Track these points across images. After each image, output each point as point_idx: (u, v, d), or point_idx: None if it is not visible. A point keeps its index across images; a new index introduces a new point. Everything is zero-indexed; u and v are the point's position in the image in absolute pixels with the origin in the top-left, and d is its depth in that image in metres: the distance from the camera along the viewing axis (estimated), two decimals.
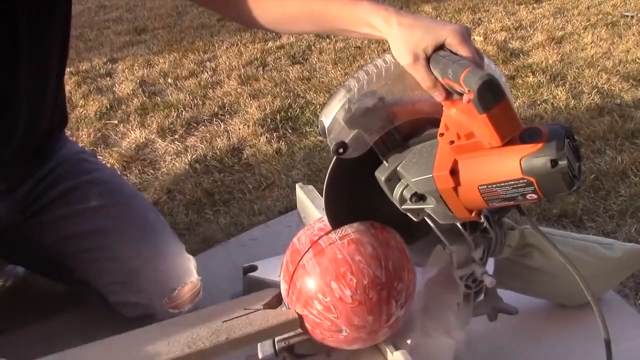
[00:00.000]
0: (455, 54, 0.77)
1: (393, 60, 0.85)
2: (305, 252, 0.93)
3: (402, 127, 0.89)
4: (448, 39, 0.78)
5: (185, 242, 1.34)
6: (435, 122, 0.85)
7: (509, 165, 0.75)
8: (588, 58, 2.55)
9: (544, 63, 2.53)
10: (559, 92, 2.23)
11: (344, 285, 0.89)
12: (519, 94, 2.26)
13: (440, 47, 0.79)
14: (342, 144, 0.85)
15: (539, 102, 2.20)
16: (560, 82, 2.35)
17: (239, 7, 0.98)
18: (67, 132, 1.36)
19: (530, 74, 2.42)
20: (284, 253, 0.99)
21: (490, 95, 0.70)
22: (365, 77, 0.85)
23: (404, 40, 0.80)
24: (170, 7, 3.95)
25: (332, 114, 0.84)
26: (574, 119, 2.05)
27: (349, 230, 0.93)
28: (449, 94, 0.81)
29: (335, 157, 0.90)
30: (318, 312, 0.91)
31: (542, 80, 2.35)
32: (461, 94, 0.77)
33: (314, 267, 0.91)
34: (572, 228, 1.50)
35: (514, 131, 0.74)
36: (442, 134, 0.82)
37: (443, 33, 0.78)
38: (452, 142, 0.80)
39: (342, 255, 0.90)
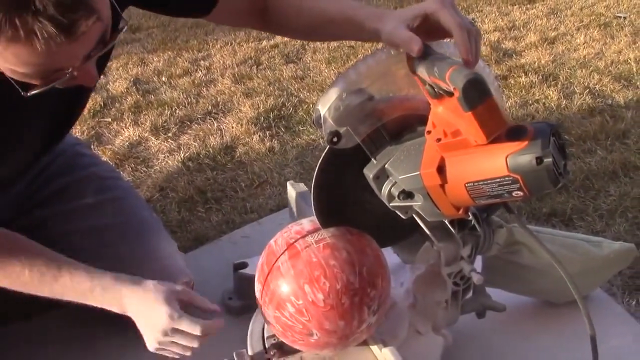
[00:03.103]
0: (440, 55, 0.78)
1: (384, 58, 0.85)
2: (281, 255, 0.94)
3: (390, 125, 0.90)
4: (430, 7, 0.80)
5: (177, 240, 1.35)
6: (423, 120, 0.86)
7: (495, 162, 0.76)
8: (580, 59, 2.57)
9: (536, 63, 2.54)
10: (551, 92, 2.25)
11: (317, 289, 0.90)
12: (511, 94, 2.27)
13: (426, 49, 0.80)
14: (337, 133, 0.85)
15: (530, 102, 2.21)
16: (553, 82, 2.36)
17: (276, 22, 1.07)
18: None
19: (523, 74, 2.43)
20: None
21: (476, 93, 0.71)
22: (354, 75, 0.86)
23: (398, 19, 0.83)
24: None
25: (328, 103, 0.85)
26: (566, 119, 2.06)
27: (325, 234, 0.94)
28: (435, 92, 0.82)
29: (323, 154, 0.91)
30: (290, 314, 0.91)
31: (534, 81, 2.36)
32: (448, 92, 0.77)
33: (289, 269, 0.92)
34: (561, 227, 1.51)
35: (500, 129, 0.75)
36: (429, 132, 0.83)
37: (425, 5, 0.81)
38: (439, 139, 0.81)
39: (316, 259, 0.91)
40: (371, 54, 0.87)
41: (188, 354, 1.00)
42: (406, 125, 0.90)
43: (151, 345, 1.00)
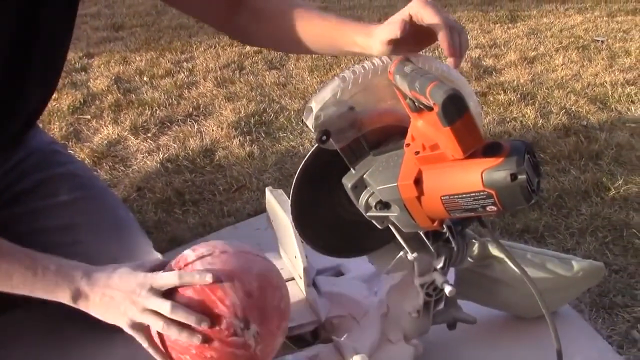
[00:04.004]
0: (421, 70, 0.79)
1: (366, 69, 0.87)
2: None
3: (370, 136, 0.91)
4: (413, 7, 0.82)
5: (153, 241, 1.34)
6: (402, 132, 0.88)
7: (471, 177, 0.78)
8: (558, 79, 2.62)
9: (515, 82, 2.58)
10: (528, 111, 2.29)
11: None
12: (489, 110, 2.31)
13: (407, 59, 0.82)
14: (326, 132, 0.86)
15: (508, 119, 2.25)
16: (530, 101, 2.40)
17: (243, 28, 1.06)
18: (39, 124, 1.35)
19: (502, 91, 2.47)
20: None
21: (454, 109, 0.73)
22: (340, 84, 0.87)
23: (383, 29, 0.85)
24: (149, 5, 3.94)
25: (322, 102, 0.85)
26: (542, 137, 2.10)
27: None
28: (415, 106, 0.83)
29: (303, 161, 0.92)
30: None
31: (512, 99, 2.40)
32: (427, 107, 0.79)
33: None
34: (533, 243, 1.53)
35: (476, 144, 0.77)
36: (408, 145, 0.85)
37: (408, 6, 0.83)
38: (417, 152, 0.83)
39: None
40: (360, 62, 0.89)
41: (172, 330, 0.87)
42: (386, 137, 0.92)
43: (126, 318, 0.90)
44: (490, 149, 0.78)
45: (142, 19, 3.60)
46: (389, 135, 0.92)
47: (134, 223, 1.34)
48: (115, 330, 0.92)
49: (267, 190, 1.29)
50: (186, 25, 3.46)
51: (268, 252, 1.33)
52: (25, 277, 0.93)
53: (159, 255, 1.28)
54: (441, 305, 1.07)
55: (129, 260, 1.20)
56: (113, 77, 2.62)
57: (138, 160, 1.94)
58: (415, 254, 0.96)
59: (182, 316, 0.85)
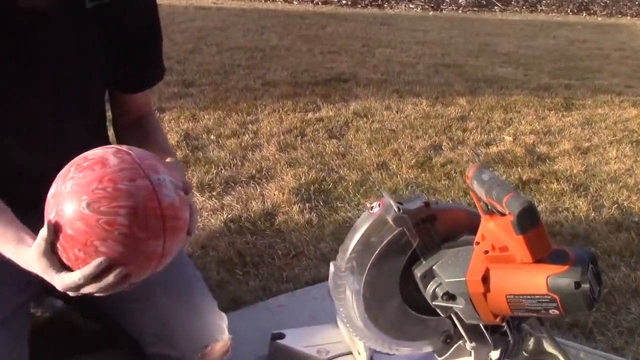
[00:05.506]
0: (498, 179, 0.88)
1: None
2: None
3: (440, 230, 0.99)
4: None
5: (215, 299, 1.42)
6: (471, 230, 0.96)
7: (537, 281, 0.85)
8: (611, 172, 2.66)
9: (568, 172, 2.64)
10: (581, 203, 2.33)
11: None
12: (542, 199, 2.36)
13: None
14: (405, 224, 0.95)
15: (560, 209, 2.29)
16: (583, 192, 2.45)
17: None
18: None
19: (555, 180, 2.53)
20: (310, 324, 1.05)
21: (529, 220, 0.81)
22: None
23: None
24: (218, 64, 4.16)
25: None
26: (593, 231, 2.13)
27: None
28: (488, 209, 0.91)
29: (378, 250, 1.00)
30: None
31: (565, 189, 2.45)
32: (501, 212, 0.87)
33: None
34: (582, 338, 1.56)
35: (545, 252, 0.84)
36: (477, 243, 0.92)
37: None
38: (486, 251, 0.90)
39: None
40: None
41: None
42: (456, 232, 1.00)
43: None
44: (557, 256, 0.85)
45: (210, 78, 3.80)
46: (458, 230, 1.00)
47: (201, 282, 1.41)
48: None
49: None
50: (252, 87, 3.64)
51: (325, 323, 1.40)
52: None
53: (223, 315, 1.35)
54: None
55: (194, 318, 1.28)
56: (183, 133, 2.78)
57: (203, 218, 2.05)
58: (473, 344, 1.02)
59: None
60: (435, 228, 0.98)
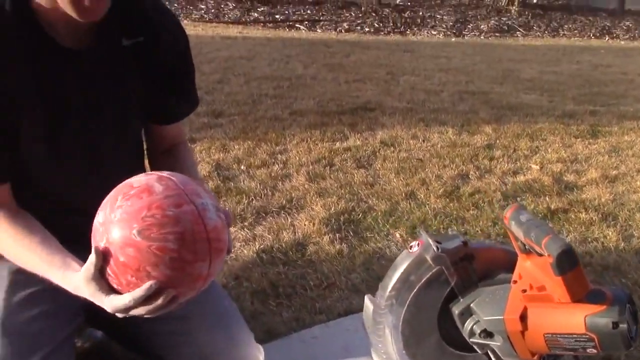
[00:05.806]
0: (536, 221, 0.91)
1: None
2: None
3: (478, 268, 1.02)
4: None
5: (251, 331, 1.45)
6: (509, 268, 0.98)
7: (575, 320, 0.87)
8: None
9: (596, 201, 2.64)
10: (610, 233, 2.33)
11: None
12: (570, 228, 2.37)
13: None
14: (443, 263, 0.98)
15: (589, 239, 2.29)
16: (612, 222, 2.44)
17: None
18: None
19: (583, 210, 2.53)
20: (344, 356, 1.07)
21: (567, 262, 0.84)
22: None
23: None
24: (246, 94, 4.25)
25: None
26: (623, 261, 2.13)
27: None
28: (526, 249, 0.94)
29: (417, 287, 1.03)
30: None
31: (594, 218, 2.45)
32: (539, 253, 0.90)
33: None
34: None
35: (584, 292, 0.87)
36: (515, 282, 0.95)
37: None
38: (524, 290, 0.93)
39: None
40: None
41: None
42: (493, 270, 1.02)
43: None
44: (594, 296, 0.88)
45: (239, 108, 3.88)
46: (496, 269, 1.02)
47: (237, 313, 1.45)
48: None
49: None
50: (280, 117, 3.71)
51: (359, 356, 1.43)
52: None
53: (260, 347, 1.39)
54: None
55: (232, 350, 1.31)
56: (214, 164, 2.84)
57: (235, 249, 2.09)
58: None
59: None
60: (473, 266, 1.01)
